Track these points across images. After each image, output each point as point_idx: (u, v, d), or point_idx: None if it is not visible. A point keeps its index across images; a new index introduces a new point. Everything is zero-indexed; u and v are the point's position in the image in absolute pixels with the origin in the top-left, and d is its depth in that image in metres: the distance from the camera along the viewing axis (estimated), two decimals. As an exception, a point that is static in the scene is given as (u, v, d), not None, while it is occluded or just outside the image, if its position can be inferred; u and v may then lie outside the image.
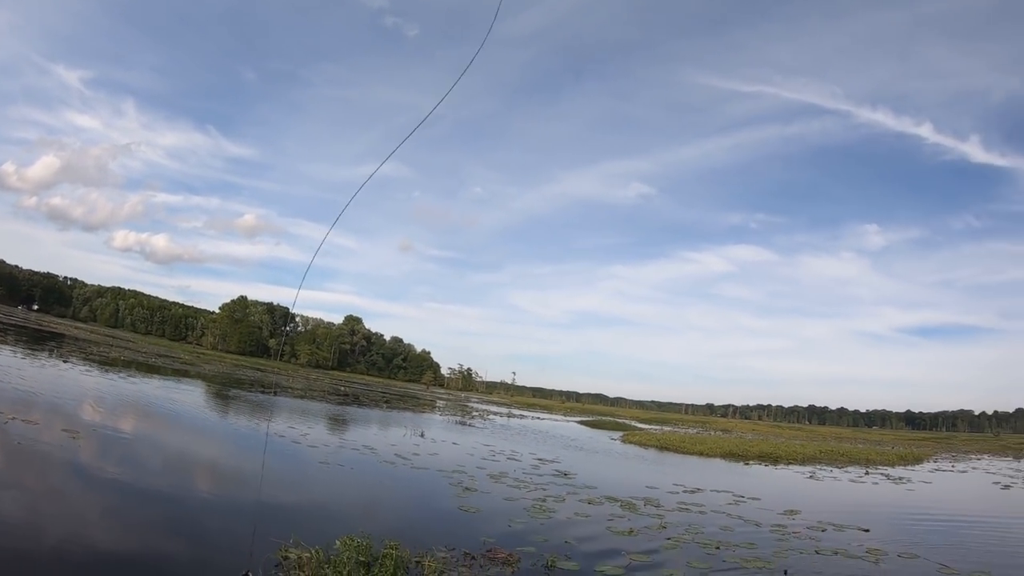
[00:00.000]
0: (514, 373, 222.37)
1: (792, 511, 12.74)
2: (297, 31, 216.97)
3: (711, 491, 14.76)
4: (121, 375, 25.55)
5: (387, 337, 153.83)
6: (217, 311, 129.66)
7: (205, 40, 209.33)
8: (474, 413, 45.50)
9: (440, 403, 58.55)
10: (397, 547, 6.46)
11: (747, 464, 23.73)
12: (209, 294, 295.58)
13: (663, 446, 28.80)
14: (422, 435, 21.30)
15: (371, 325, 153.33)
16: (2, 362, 21.01)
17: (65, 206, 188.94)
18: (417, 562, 6.61)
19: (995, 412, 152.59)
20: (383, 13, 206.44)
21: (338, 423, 23.61)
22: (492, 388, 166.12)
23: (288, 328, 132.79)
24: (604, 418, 65.14)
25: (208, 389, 27.63)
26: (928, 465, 31.81)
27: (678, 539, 9.40)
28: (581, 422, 54.51)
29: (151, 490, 8.58)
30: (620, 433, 38.98)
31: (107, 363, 30.81)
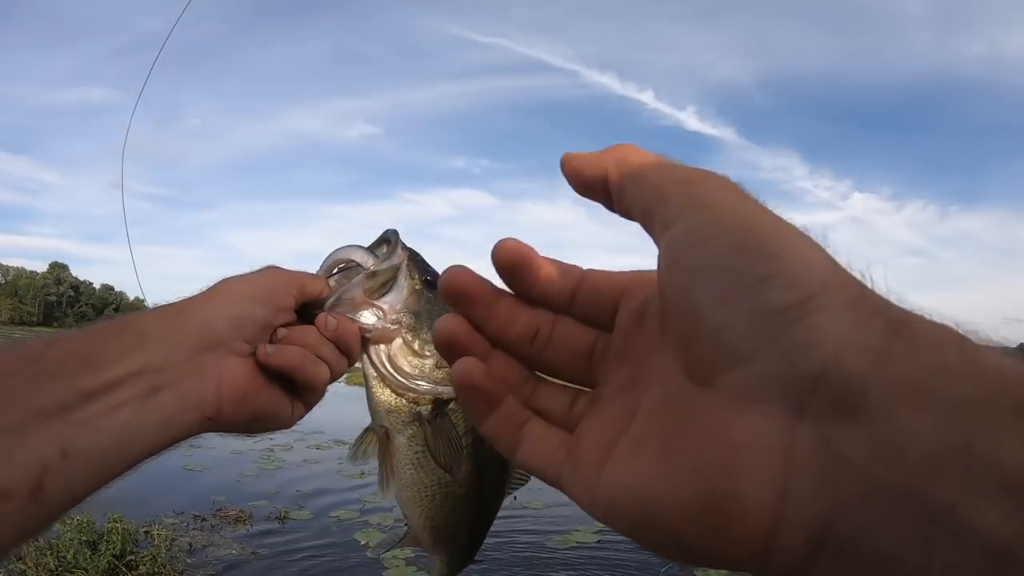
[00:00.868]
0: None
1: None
2: None
3: None
4: None
5: (97, 285, 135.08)
6: None
7: None
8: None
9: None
10: (121, 519, 5.87)
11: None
12: None
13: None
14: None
15: (81, 272, 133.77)
16: None
17: None
18: (146, 532, 6.18)
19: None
20: None
21: None
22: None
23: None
24: None
25: None
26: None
27: (407, 476, 9.83)
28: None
29: None
30: (344, 374, 38.99)
31: None
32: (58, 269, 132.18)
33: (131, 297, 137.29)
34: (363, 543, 7.40)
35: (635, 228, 0.47)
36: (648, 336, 0.44)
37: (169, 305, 0.85)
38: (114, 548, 5.58)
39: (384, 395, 1.00)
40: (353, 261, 1.00)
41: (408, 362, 0.98)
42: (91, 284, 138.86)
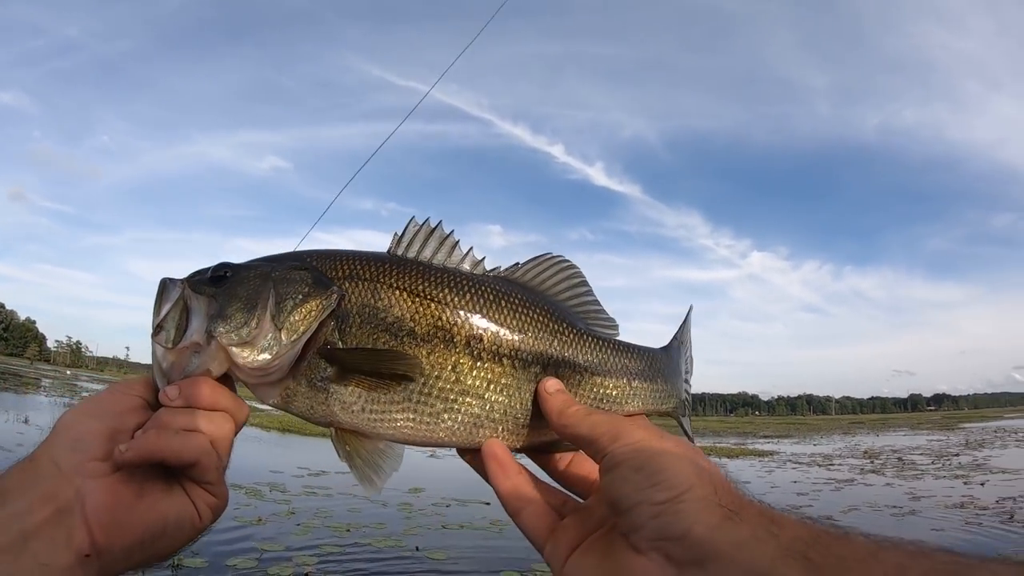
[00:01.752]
0: (128, 348, 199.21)
1: (417, 488, 13.48)
2: None
3: (336, 473, 14.82)
4: None
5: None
6: None
7: None
8: (84, 393, 38.98)
9: (46, 381, 49.58)
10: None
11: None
12: None
13: (285, 428, 28.62)
14: (26, 421, 18.10)
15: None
16: None
17: None
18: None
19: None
20: None
21: None
22: (104, 364, 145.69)
23: None
24: None
25: None
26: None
27: (308, 524, 9.54)
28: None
29: None
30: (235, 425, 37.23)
31: None
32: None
33: (22, 317, 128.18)
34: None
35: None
36: (603, 501, 0.84)
37: (26, 457, 0.83)
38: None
39: (290, 395, 0.97)
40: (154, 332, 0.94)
41: (257, 359, 0.93)
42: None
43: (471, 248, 1.05)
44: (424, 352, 0.94)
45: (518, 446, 1.00)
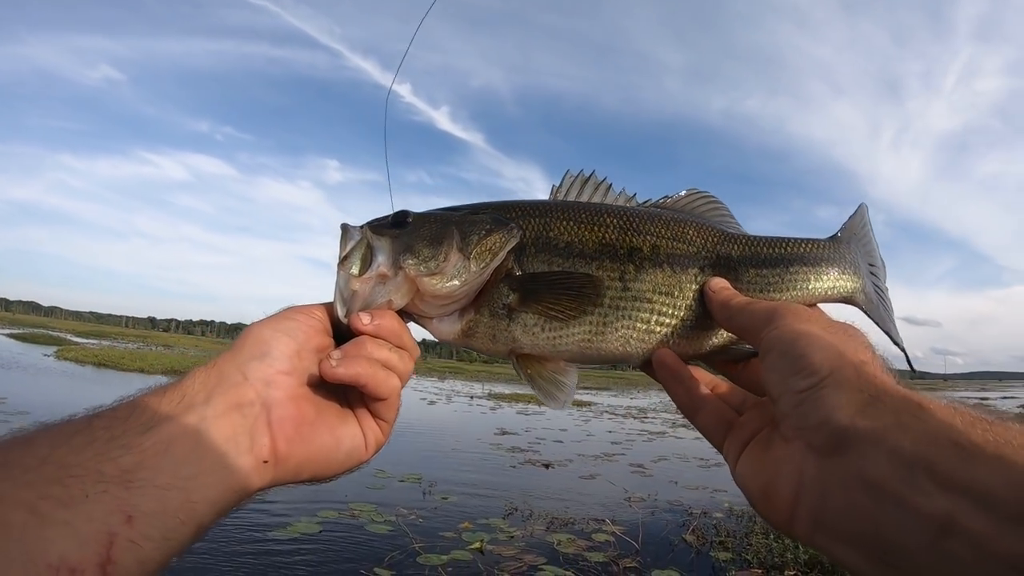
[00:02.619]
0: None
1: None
2: None
3: None
4: None
5: None
6: None
7: None
8: None
9: None
10: None
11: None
12: None
13: (101, 362, 26.54)
14: None
15: None
16: None
17: None
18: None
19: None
20: None
21: None
22: None
23: None
24: (36, 330, 54.76)
25: None
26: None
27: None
28: (9, 335, 45.13)
29: None
30: (55, 348, 33.83)
31: None
32: None
33: None
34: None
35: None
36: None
37: (207, 364, 0.83)
38: None
39: (472, 326, 1.01)
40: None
41: (447, 285, 0.97)
42: None
43: (623, 189, 1.17)
44: (593, 268, 1.03)
45: (691, 352, 1.05)
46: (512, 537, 6.59)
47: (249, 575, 5.13)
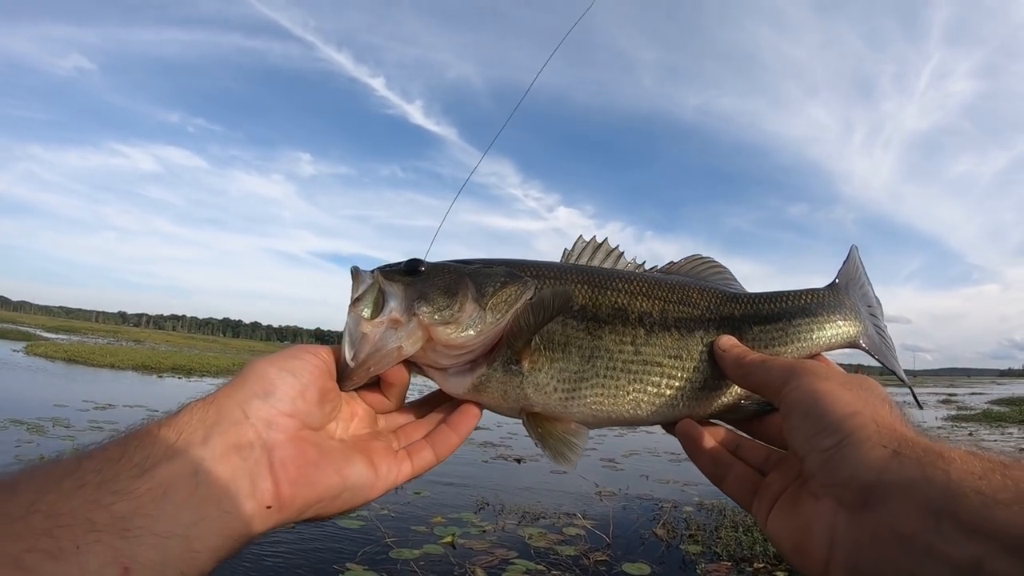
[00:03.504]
0: None
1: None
2: None
3: (123, 406, 13.96)
4: None
5: None
6: None
7: None
8: None
9: None
10: None
11: (160, 376, 23.09)
12: None
13: (71, 358, 26.14)
14: None
15: None
16: None
17: None
18: None
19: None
20: None
21: None
22: None
23: None
24: (6, 325, 54.21)
25: None
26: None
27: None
28: (-24, 331, 43.74)
29: None
30: (24, 343, 33.57)
31: None
32: None
33: None
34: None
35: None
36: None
37: (204, 398, 0.79)
38: None
39: (484, 380, 1.00)
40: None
41: (462, 334, 0.96)
42: None
43: (634, 258, 1.21)
44: (606, 331, 1.04)
45: (702, 413, 1.08)
46: (484, 531, 6.63)
47: (219, 573, 5.11)
